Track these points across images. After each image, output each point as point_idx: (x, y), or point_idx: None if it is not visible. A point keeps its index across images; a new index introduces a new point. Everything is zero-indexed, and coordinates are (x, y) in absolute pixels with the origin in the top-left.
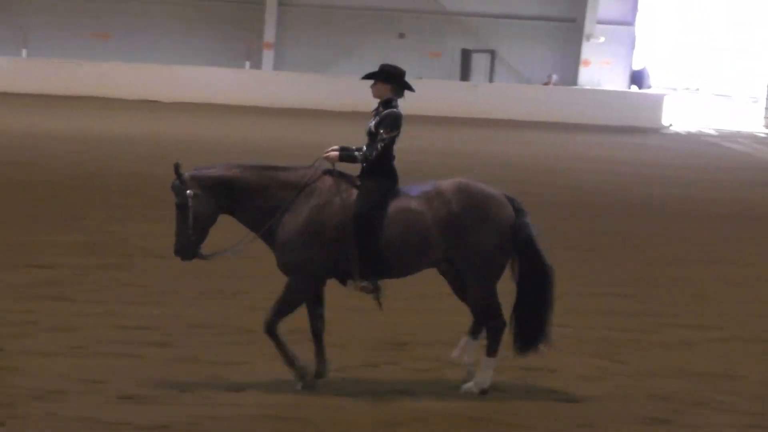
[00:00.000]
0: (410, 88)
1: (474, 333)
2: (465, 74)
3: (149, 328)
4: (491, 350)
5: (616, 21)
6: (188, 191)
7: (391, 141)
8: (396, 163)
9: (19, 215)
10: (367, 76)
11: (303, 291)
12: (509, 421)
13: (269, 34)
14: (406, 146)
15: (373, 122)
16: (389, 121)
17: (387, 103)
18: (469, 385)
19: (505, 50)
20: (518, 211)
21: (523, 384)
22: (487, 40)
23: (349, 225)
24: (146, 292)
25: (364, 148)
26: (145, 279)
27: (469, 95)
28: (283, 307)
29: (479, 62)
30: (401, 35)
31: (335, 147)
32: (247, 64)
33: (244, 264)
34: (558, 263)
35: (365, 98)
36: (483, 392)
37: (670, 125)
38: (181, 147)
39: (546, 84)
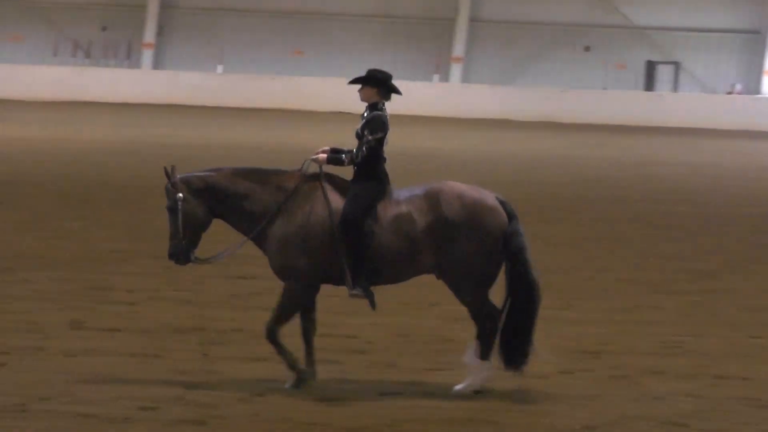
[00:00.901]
0: (397, 92)
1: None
2: (649, 85)
3: (350, 336)
4: (485, 354)
5: None
6: (178, 195)
7: (377, 143)
8: (387, 165)
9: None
10: (354, 81)
11: (298, 297)
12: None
13: (459, 48)
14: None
15: (360, 125)
16: (374, 124)
17: (373, 107)
18: (462, 387)
19: (689, 61)
20: (511, 216)
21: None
22: (671, 52)
23: (336, 230)
24: (348, 302)
25: (354, 150)
26: (345, 290)
27: (654, 105)
28: (281, 313)
29: (663, 73)
30: (587, 48)
31: (325, 148)
32: (436, 77)
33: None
34: None
35: (554, 109)
36: (476, 392)
37: None
38: None
39: (730, 93)
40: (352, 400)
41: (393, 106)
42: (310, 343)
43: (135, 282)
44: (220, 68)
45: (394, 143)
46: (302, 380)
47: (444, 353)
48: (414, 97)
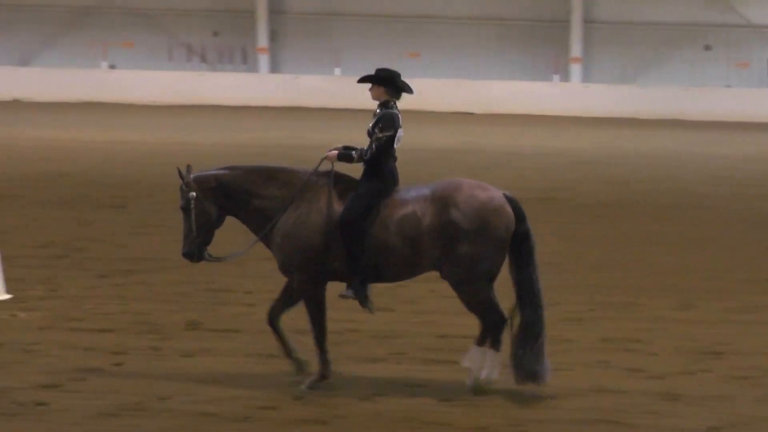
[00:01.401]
0: (407, 90)
1: (480, 342)
2: None
3: (466, 336)
4: (495, 345)
5: None
6: (191, 194)
7: (387, 141)
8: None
9: None
10: (362, 80)
11: (310, 291)
12: None
13: (576, 49)
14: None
15: (371, 123)
16: (384, 122)
17: (384, 105)
18: (473, 380)
19: None
20: (520, 216)
21: None
22: None
23: (335, 230)
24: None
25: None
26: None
27: None
28: (311, 312)
29: None
30: (707, 47)
31: (338, 146)
32: (556, 77)
33: (555, 274)
34: None
35: (677, 107)
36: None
37: None
38: (501, 157)
39: None
40: (473, 400)
41: (515, 106)
42: (279, 332)
43: (253, 283)
44: (337, 71)
45: (528, 142)
46: (318, 387)
47: (563, 354)
48: (536, 96)
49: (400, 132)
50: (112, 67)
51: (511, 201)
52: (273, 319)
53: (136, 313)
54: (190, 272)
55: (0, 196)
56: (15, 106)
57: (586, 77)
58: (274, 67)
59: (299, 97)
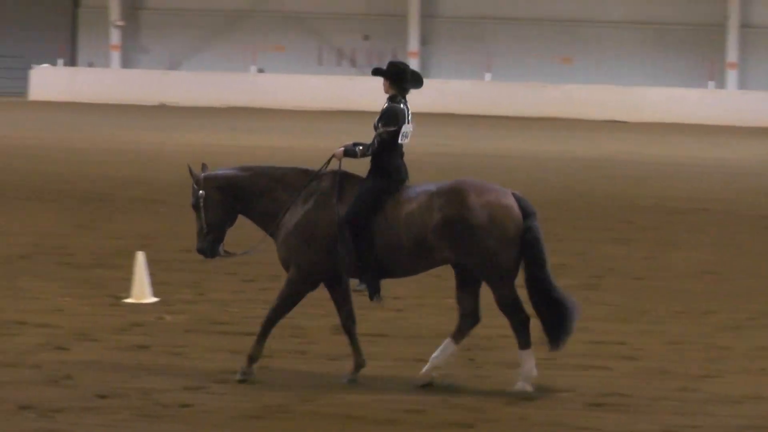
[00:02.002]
0: (413, 86)
1: (456, 337)
2: None
3: (619, 342)
4: (524, 344)
5: None
6: (200, 192)
7: (389, 136)
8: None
9: None
10: (373, 73)
11: (297, 290)
12: None
13: (732, 54)
14: None
15: (377, 117)
16: (386, 117)
17: (391, 99)
18: (523, 385)
19: None
20: (527, 213)
21: None
22: None
23: (338, 228)
24: (616, 310)
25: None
26: (615, 298)
27: None
28: (280, 304)
29: None
30: None
31: (347, 143)
32: (711, 83)
33: (712, 283)
34: None
35: None
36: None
37: None
38: (653, 168)
39: None
40: (623, 406)
41: (668, 113)
42: (352, 335)
43: (401, 289)
44: (488, 76)
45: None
46: (250, 375)
47: (718, 361)
48: (690, 104)
49: (406, 128)
50: (260, 71)
51: (519, 200)
52: (346, 328)
53: None
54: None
55: (146, 201)
56: (162, 110)
57: (743, 84)
58: (424, 72)
59: (448, 102)
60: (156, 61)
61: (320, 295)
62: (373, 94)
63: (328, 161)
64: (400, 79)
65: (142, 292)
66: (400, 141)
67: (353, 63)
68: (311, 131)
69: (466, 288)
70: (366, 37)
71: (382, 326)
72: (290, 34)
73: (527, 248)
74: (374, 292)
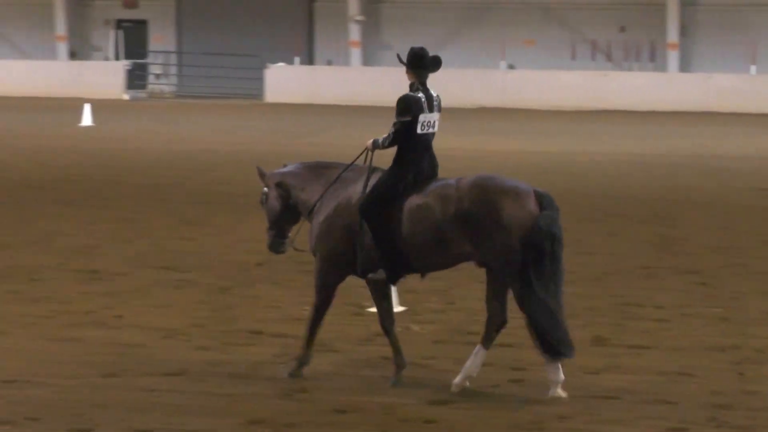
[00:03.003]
0: (429, 71)
1: (486, 342)
2: None
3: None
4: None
5: None
6: (264, 189)
7: (402, 126)
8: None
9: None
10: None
11: (325, 281)
12: None
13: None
14: None
15: None
16: (398, 106)
17: (410, 87)
18: (555, 391)
19: None
20: (546, 207)
21: None
22: None
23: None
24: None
25: None
26: None
27: None
28: (316, 299)
29: None
30: None
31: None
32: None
33: None
34: None
35: None
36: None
37: None
38: None
39: None
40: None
41: None
42: (391, 334)
43: (664, 298)
44: (753, 69)
45: None
46: (299, 375)
47: None
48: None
49: (426, 117)
50: (510, 67)
51: (540, 195)
52: (384, 326)
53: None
54: (601, 286)
55: None
56: None
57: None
58: (684, 66)
59: (710, 99)
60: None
61: (578, 303)
62: (630, 91)
63: (362, 153)
64: (413, 65)
65: None
66: (420, 131)
67: (609, 57)
68: (565, 133)
69: (491, 288)
70: (622, 29)
71: (644, 338)
72: (541, 26)
73: (535, 245)
74: (393, 282)
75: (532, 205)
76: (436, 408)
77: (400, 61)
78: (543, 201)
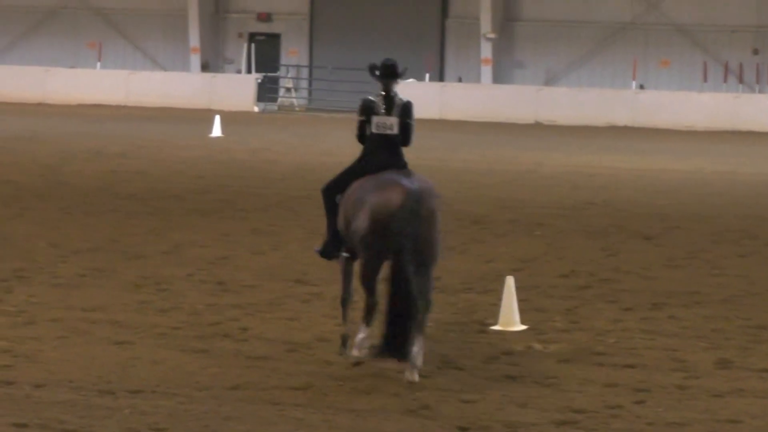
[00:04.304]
0: (379, 79)
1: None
2: None
3: None
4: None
5: None
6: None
7: (358, 124)
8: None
9: None
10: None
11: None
12: None
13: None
14: None
15: None
16: (359, 107)
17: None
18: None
19: None
20: (415, 202)
21: None
22: None
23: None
24: None
25: None
26: None
27: None
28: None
29: None
30: None
31: None
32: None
33: None
34: None
35: None
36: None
37: None
38: None
39: None
40: None
41: None
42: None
43: None
44: None
45: None
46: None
47: None
48: None
49: (379, 119)
50: (641, 87)
51: (413, 194)
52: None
53: (664, 349)
54: (727, 308)
55: (521, 223)
56: (537, 129)
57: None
58: None
59: None
60: (531, 76)
61: (705, 325)
62: (761, 113)
63: None
64: (372, 74)
65: (509, 319)
66: (375, 131)
67: (740, 79)
68: (697, 153)
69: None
70: (755, 51)
71: None
72: (676, 47)
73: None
74: (325, 254)
75: (396, 199)
76: (562, 428)
77: (369, 72)
78: (414, 197)
